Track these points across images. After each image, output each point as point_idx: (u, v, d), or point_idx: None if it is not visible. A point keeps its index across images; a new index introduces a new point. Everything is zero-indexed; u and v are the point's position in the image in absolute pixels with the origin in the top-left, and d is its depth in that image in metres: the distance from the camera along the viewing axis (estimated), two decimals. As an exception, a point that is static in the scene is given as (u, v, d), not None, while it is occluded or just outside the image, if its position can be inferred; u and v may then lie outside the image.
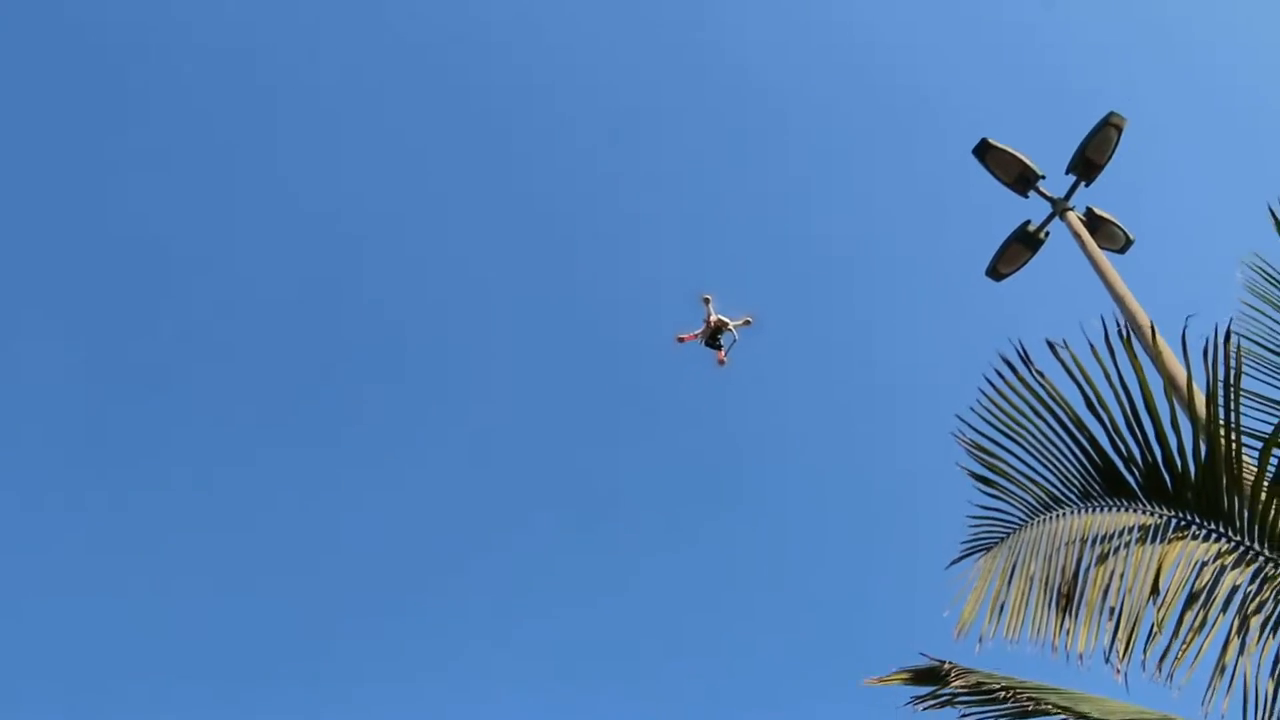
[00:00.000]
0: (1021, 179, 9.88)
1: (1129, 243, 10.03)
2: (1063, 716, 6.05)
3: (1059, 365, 6.69)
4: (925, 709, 6.17)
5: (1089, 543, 6.39)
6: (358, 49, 36.77)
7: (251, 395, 35.29)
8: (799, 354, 36.60)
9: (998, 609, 6.55)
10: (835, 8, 39.56)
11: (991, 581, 6.64)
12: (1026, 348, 6.89)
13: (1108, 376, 6.43)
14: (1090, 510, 6.57)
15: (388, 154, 38.51)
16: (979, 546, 6.93)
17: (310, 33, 36.93)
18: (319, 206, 37.00)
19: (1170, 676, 5.70)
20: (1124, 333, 6.45)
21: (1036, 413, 6.84)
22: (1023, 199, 10.00)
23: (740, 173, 39.10)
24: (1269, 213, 7.14)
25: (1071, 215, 9.67)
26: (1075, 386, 6.57)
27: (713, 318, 21.04)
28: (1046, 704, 6.12)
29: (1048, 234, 10.03)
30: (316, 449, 35.84)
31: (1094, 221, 9.81)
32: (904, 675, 6.35)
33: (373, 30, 37.58)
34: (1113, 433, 6.48)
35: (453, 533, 36.67)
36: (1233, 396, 6.13)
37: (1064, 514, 6.66)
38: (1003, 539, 6.83)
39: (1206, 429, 6.18)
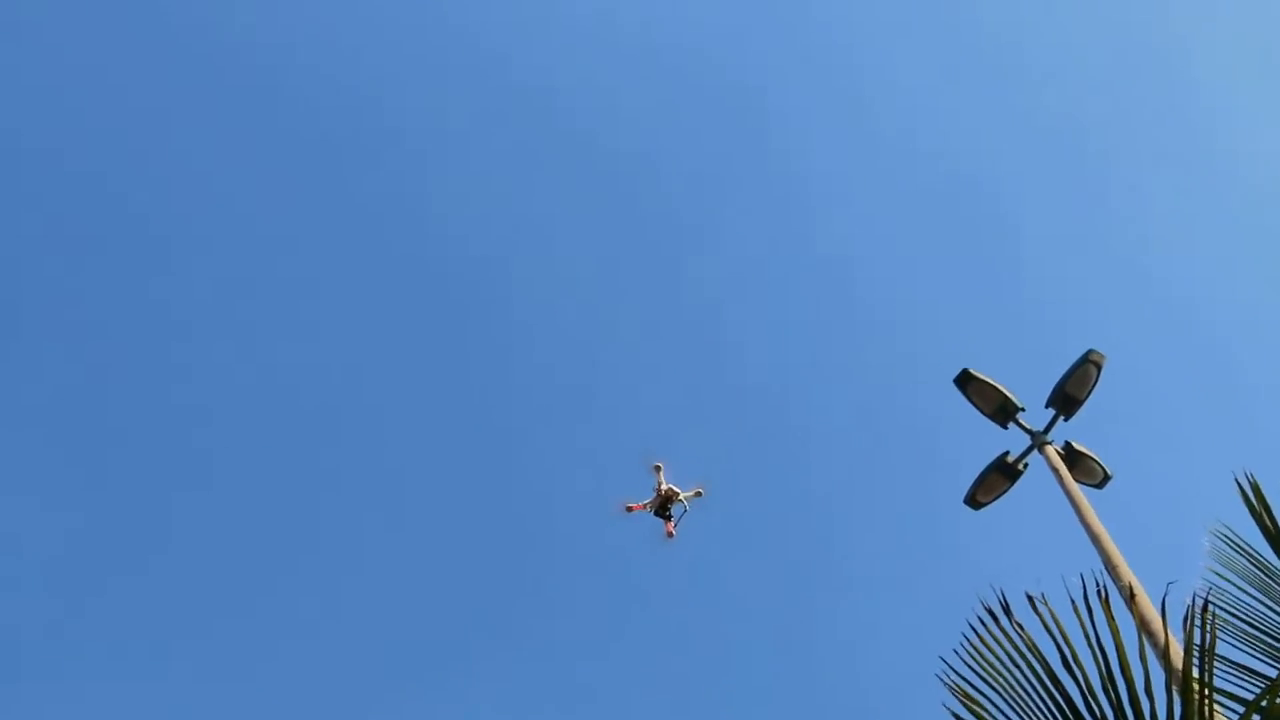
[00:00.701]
0: (1001, 410, 10.17)
1: (1107, 478, 10.26)
2: None
3: (1038, 617, 6.86)
4: None
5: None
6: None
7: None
8: (776, 577, 36.84)
9: None
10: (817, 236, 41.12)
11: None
12: (1007, 597, 7.03)
13: (1085, 635, 6.56)
14: (1066, 771, 6.57)
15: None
16: (955, 797, 6.90)
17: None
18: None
19: None
20: (1102, 592, 6.61)
21: (1015, 664, 6.91)
22: (1003, 429, 10.26)
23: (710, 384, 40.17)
24: (1236, 484, 7.35)
25: (1050, 449, 9.90)
26: (1052, 641, 6.72)
27: (663, 486, 20.35)
28: None
29: (1026, 465, 10.26)
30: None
31: (1073, 456, 10.05)
32: None
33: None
34: (1087, 693, 6.56)
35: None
36: (1207, 667, 6.27)
37: (1040, 771, 6.66)
38: (980, 791, 6.81)
39: (1183, 696, 6.29)
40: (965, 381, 10.27)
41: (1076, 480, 9.88)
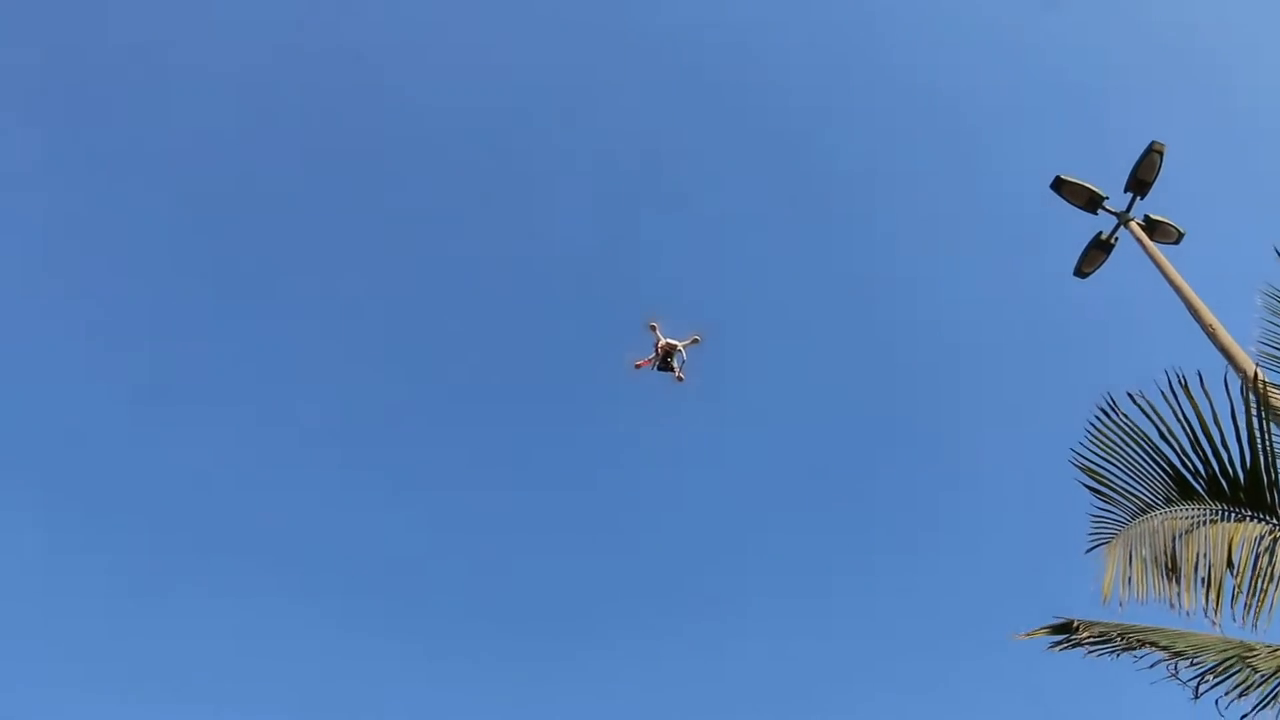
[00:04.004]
0: (1090, 201, 12.45)
1: (1181, 235, 12.53)
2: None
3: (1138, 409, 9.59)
4: (1060, 650, 8.83)
5: (1178, 532, 9.28)
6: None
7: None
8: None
9: (1126, 582, 9.48)
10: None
11: (1117, 565, 9.58)
12: (1114, 397, 9.75)
13: (1175, 413, 9.27)
14: (1173, 512, 9.44)
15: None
16: (1100, 541, 9.87)
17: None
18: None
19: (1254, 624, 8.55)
20: (1183, 381, 9.24)
21: (1128, 441, 9.69)
22: (1092, 216, 12.60)
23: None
24: (1275, 251, 9.68)
25: (1133, 224, 12.23)
26: (1151, 424, 9.46)
27: (661, 342, 21.32)
28: (1152, 640, 8.12)
29: (1117, 239, 12.64)
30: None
31: (1151, 225, 12.36)
32: (1044, 630, 8.20)
33: None
34: (1181, 454, 9.32)
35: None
36: (1265, 424, 8.91)
37: (1155, 514, 9.55)
38: (1116, 535, 9.76)
39: (1251, 447, 8.94)
40: (1059, 185, 12.54)
41: (1156, 242, 12.23)
